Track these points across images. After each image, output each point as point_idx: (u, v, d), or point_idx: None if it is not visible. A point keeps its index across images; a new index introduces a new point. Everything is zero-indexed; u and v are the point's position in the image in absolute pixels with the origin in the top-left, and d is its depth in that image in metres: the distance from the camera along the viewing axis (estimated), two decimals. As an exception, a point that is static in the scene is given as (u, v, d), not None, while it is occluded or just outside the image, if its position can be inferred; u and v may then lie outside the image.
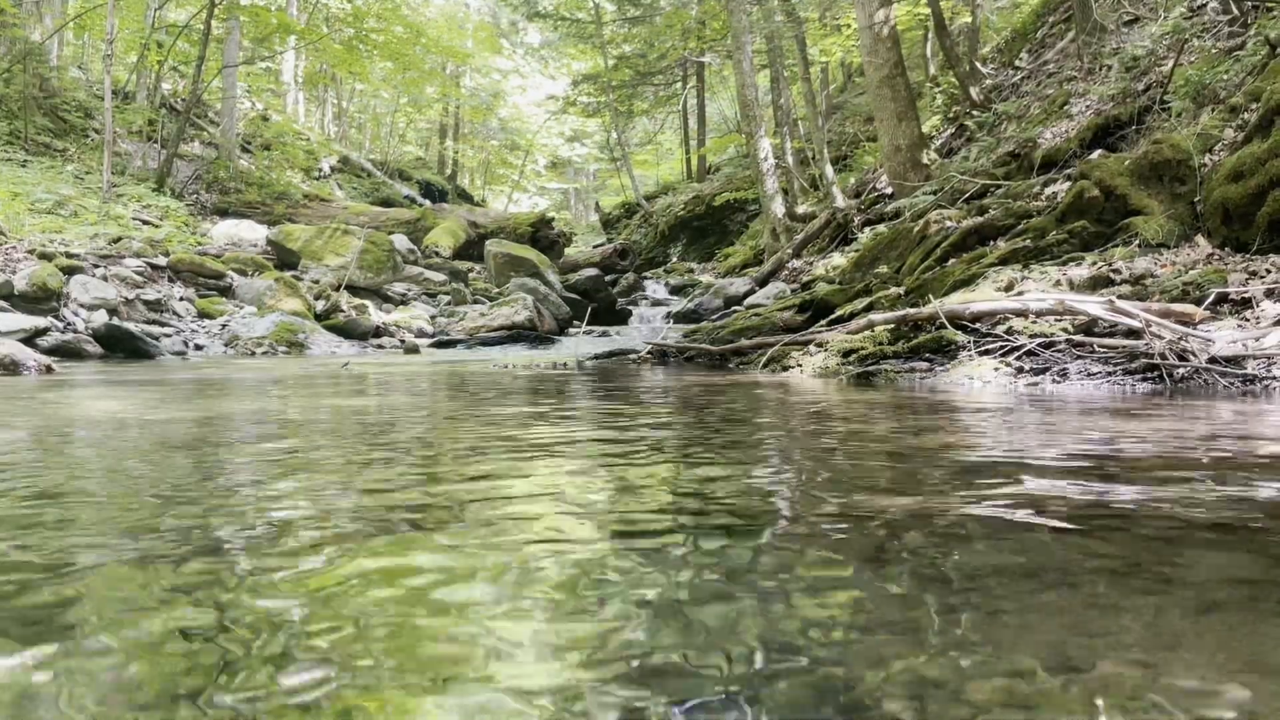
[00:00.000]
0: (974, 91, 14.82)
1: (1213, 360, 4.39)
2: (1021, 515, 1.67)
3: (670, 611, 1.14)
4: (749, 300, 12.74)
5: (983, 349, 5.28)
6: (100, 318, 9.50)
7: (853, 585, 1.25)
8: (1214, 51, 9.48)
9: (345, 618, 1.11)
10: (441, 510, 1.77)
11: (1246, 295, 5.07)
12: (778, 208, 16.76)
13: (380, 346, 10.77)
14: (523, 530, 1.60)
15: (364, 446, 2.72)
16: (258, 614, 1.13)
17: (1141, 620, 1.09)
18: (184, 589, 1.23)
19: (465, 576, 1.30)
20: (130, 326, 9.19)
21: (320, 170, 26.38)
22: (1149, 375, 4.49)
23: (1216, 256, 5.96)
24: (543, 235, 19.53)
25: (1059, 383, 4.64)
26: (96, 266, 10.84)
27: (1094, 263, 6.29)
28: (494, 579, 1.29)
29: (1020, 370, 4.93)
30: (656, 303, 16.47)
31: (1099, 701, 0.87)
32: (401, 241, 16.24)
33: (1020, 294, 5.90)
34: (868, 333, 6.12)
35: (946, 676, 0.93)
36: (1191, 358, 4.47)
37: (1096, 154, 8.69)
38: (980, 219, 8.49)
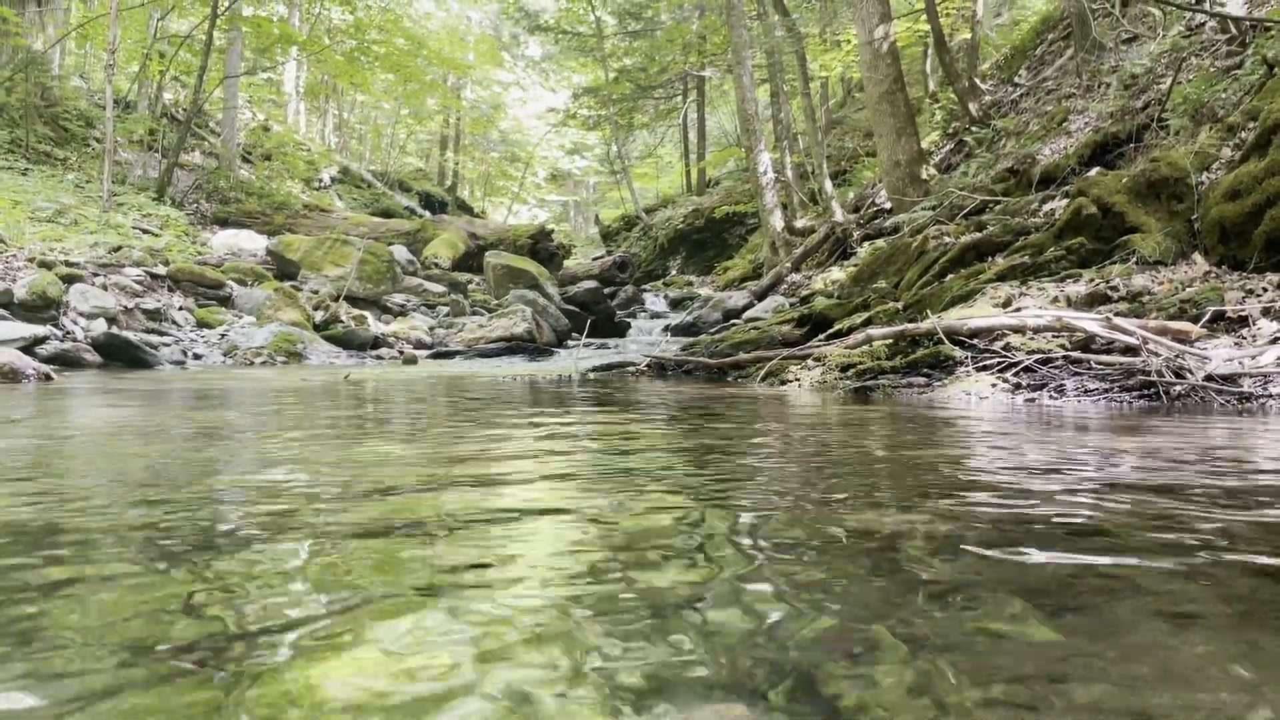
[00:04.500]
0: (973, 107, 14.89)
1: (1209, 378, 4.40)
2: (1019, 529, 1.67)
3: (667, 623, 1.15)
4: (748, 314, 12.77)
5: (980, 364, 5.29)
6: (99, 326, 9.50)
7: (848, 599, 1.26)
8: (1212, 70, 9.54)
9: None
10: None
11: (1243, 313, 5.09)
12: (777, 221, 16.81)
13: (379, 357, 10.77)
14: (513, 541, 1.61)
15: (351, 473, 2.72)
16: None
17: (1125, 631, 1.10)
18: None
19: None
20: (129, 335, 9.20)
21: (320, 181, 26.46)
22: (1145, 392, 4.50)
23: (1213, 274, 5.98)
24: (542, 247, 19.57)
25: (1056, 399, 4.65)
26: (96, 275, 10.85)
27: (1091, 279, 6.31)
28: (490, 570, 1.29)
29: (1018, 386, 4.94)
30: (655, 315, 16.50)
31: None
32: (401, 252, 16.27)
33: (1018, 310, 5.92)
34: (866, 347, 6.13)
35: (938, 686, 0.94)
36: (1188, 375, 4.48)
37: (1094, 171, 8.73)
38: (978, 235, 8.52)
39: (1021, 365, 5.09)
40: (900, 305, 7.56)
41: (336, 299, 12.88)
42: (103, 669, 1.00)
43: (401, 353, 11.01)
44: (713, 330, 11.30)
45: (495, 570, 1.42)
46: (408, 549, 1.57)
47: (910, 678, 0.99)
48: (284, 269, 14.65)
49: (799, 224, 17.28)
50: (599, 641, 1.10)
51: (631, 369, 8.11)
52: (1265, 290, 5.38)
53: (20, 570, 1.41)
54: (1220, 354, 4.62)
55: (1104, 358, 4.91)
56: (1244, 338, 4.89)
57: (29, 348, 7.90)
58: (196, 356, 9.80)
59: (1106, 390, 4.63)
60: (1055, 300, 6.12)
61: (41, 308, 9.34)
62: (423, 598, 1.27)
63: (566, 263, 21.22)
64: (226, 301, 12.26)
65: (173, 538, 1.63)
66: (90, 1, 24.17)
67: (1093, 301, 5.88)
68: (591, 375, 7.91)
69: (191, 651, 1.05)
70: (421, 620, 1.17)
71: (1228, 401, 4.19)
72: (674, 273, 24.40)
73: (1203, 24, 10.93)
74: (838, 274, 12.91)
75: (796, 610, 1.21)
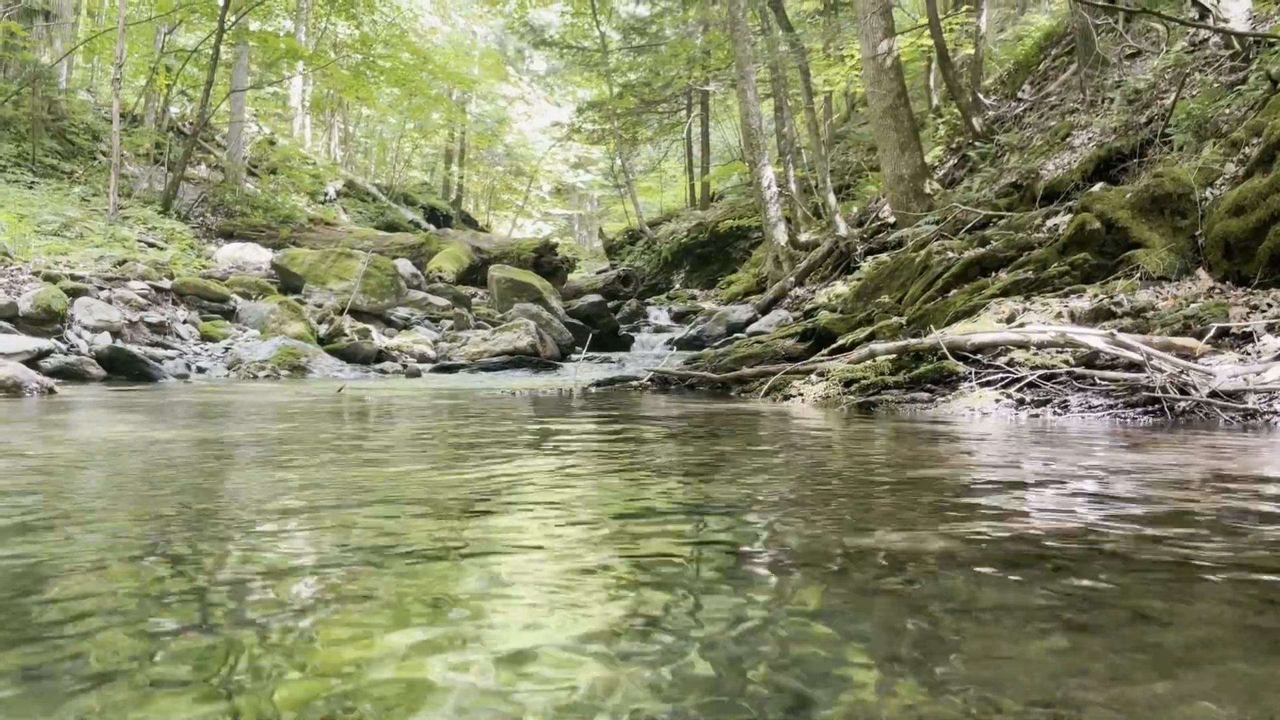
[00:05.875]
0: (976, 122, 14.91)
1: (1214, 394, 4.38)
2: (1023, 548, 1.66)
3: (664, 644, 1.14)
4: (751, 328, 12.75)
5: (984, 380, 5.28)
6: (104, 340, 9.51)
7: (849, 619, 1.25)
8: (1215, 85, 9.54)
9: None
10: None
11: (1248, 329, 5.07)
12: (780, 235, 16.82)
13: (383, 371, 10.77)
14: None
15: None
16: None
17: (1131, 658, 1.09)
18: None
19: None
20: (133, 349, 9.20)
21: (325, 194, 26.52)
22: (1150, 408, 4.48)
23: (1217, 290, 5.97)
24: (546, 261, 19.59)
25: (1060, 415, 4.63)
26: (101, 289, 10.87)
27: (1095, 295, 6.30)
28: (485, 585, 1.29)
29: (1021, 402, 4.93)
30: (659, 329, 16.48)
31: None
32: (405, 266, 16.30)
33: (1022, 325, 5.90)
34: (869, 362, 6.12)
35: (939, 708, 0.93)
36: (1193, 391, 4.46)
37: (1098, 186, 8.73)
38: (982, 250, 8.51)
39: (1025, 381, 5.07)
40: (904, 320, 7.55)
41: (341, 312, 12.89)
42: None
43: (405, 366, 11.01)
44: (716, 344, 11.29)
45: (487, 608, 1.41)
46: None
47: (910, 698, 0.97)
48: (288, 282, 14.68)
49: (803, 238, 17.29)
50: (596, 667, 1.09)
51: (635, 383, 8.10)
52: (1270, 306, 5.37)
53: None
54: (1225, 370, 4.61)
55: (1108, 374, 4.89)
56: (1249, 354, 4.87)
57: (33, 361, 7.90)
58: (200, 370, 9.80)
59: (1111, 406, 4.61)
60: (1059, 316, 6.11)
61: (46, 321, 9.36)
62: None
63: (570, 276, 21.25)
64: (231, 315, 12.28)
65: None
66: (98, 16, 24.34)
67: (1097, 317, 5.86)
68: (594, 390, 7.90)
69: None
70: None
71: (1233, 418, 4.17)
72: (678, 286, 24.39)
73: (1206, 39, 10.95)
74: (841, 288, 12.90)
75: (800, 628, 1.20)
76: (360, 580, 1.47)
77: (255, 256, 16.68)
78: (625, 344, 14.35)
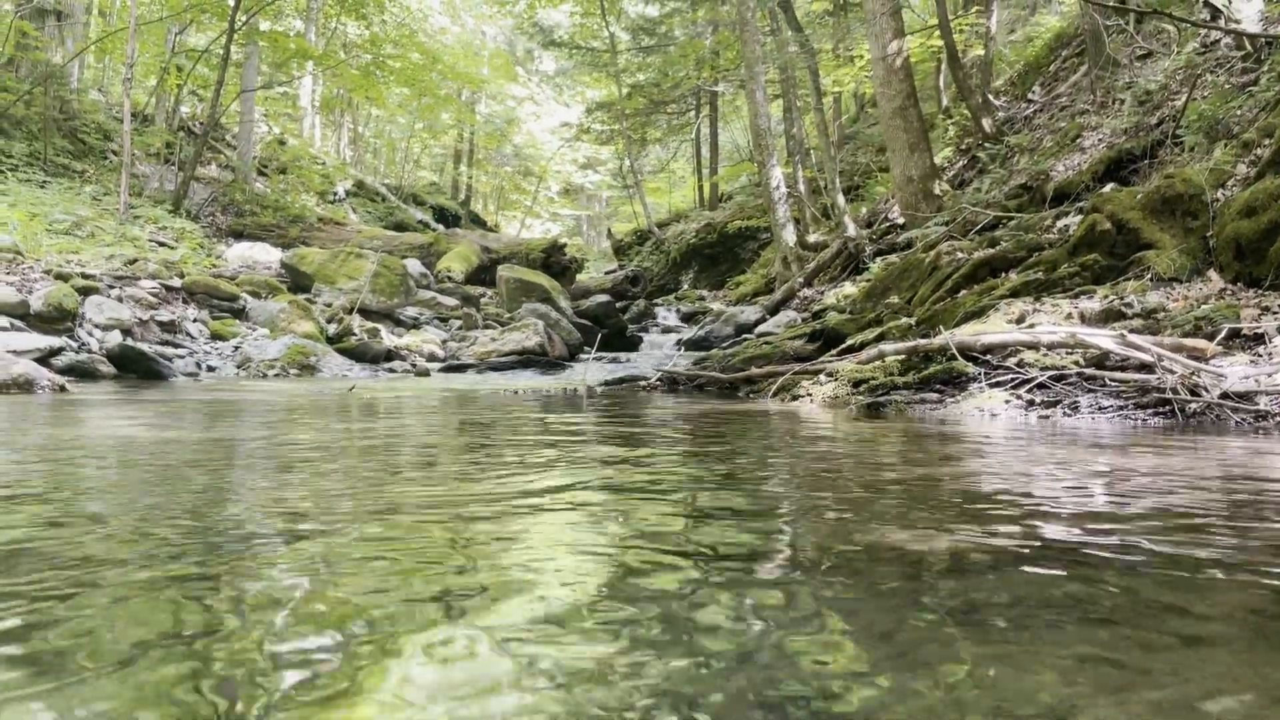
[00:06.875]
0: (986, 123, 14.88)
1: (1225, 395, 4.36)
2: (1030, 550, 1.66)
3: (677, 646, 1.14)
4: (760, 328, 12.75)
5: (994, 381, 5.27)
6: (114, 338, 9.55)
7: (857, 623, 1.25)
8: (1227, 87, 9.51)
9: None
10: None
11: (1259, 331, 5.05)
12: (789, 236, 16.81)
13: (392, 370, 10.80)
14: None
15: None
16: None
17: (1139, 661, 1.09)
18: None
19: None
20: (143, 347, 9.24)
21: (335, 194, 26.58)
22: (1161, 410, 4.47)
23: (1229, 291, 5.95)
24: (554, 261, 19.59)
25: (1070, 416, 4.62)
26: (112, 287, 10.91)
27: (1105, 296, 6.29)
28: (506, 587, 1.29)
29: (1031, 403, 4.92)
30: (667, 329, 16.48)
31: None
32: (414, 266, 16.33)
33: (1031, 326, 5.89)
34: (878, 363, 6.11)
35: (947, 711, 0.93)
36: (1203, 393, 4.45)
37: (1109, 187, 8.71)
38: (992, 251, 8.50)
39: (1035, 382, 5.06)
40: (913, 321, 7.54)
41: (350, 311, 12.93)
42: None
43: (414, 365, 11.04)
44: (725, 345, 11.28)
45: (491, 592, 1.42)
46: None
47: (918, 701, 0.98)
48: (298, 281, 14.72)
49: (811, 239, 17.28)
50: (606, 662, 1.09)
51: (643, 383, 8.10)
52: (1281, 308, 5.35)
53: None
54: (1236, 371, 4.59)
55: (1119, 375, 4.88)
56: (1260, 355, 4.85)
57: (44, 359, 7.94)
58: (210, 368, 9.84)
59: (1121, 407, 4.60)
60: (1069, 317, 6.09)
61: (57, 319, 9.40)
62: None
63: (579, 277, 21.25)
64: (241, 314, 12.31)
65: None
66: (109, 16, 24.44)
67: (1107, 318, 5.85)
68: (602, 389, 7.91)
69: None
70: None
71: (1243, 419, 4.16)
72: (686, 287, 24.40)
73: (1217, 40, 10.91)
74: (850, 289, 12.89)
75: (805, 631, 1.21)
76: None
77: (265, 256, 16.73)
78: (633, 344, 14.36)
